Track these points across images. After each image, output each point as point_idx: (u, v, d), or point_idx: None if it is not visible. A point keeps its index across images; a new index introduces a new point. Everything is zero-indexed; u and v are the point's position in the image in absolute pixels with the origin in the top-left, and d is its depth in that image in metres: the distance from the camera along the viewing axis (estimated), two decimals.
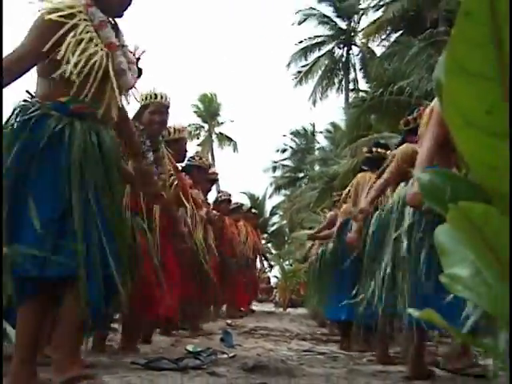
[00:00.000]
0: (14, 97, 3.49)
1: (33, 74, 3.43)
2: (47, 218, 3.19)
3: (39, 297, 3.28)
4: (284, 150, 46.89)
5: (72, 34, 3.33)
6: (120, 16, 3.69)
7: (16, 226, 3.19)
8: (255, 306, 16.54)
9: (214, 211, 9.88)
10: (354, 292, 5.63)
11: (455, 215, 0.96)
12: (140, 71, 4.42)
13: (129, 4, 3.67)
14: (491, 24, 0.85)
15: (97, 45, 3.41)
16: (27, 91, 3.56)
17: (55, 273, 3.20)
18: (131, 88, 3.68)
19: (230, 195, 12.10)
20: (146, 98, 5.67)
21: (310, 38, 37.46)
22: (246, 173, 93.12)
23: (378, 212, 5.19)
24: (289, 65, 37.28)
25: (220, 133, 48.84)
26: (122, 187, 3.69)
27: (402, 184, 5.02)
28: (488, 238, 0.95)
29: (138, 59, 4.17)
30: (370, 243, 5.12)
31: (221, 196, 11.59)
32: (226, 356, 5.39)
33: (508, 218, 0.92)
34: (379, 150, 7.04)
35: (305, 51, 37.38)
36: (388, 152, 6.92)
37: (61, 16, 3.33)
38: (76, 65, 3.30)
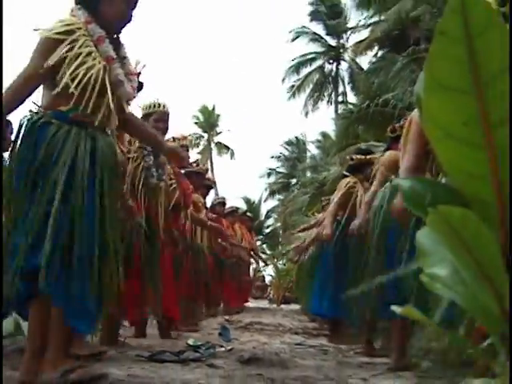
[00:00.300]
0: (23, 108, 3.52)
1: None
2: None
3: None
4: (278, 158, 46.91)
5: (69, 48, 3.36)
6: (118, 32, 3.68)
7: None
8: (250, 303, 16.51)
9: (211, 213, 9.91)
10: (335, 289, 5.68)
11: (434, 219, 0.96)
12: (141, 85, 4.41)
13: (128, 21, 3.67)
14: (465, 42, 0.86)
15: (95, 58, 3.43)
16: (34, 102, 3.55)
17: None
18: (132, 98, 3.68)
19: (224, 199, 12.17)
20: (150, 107, 5.70)
21: (302, 55, 37.47)
22: (242, 179, 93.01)
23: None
24: (283, 79, 37.33)
25: (218, 142, 48.92)
26: (116, 189, 3.66)
27: (381, 189, 5.05)
28: (466, 240, 0.95)
29: (139, 74, 4.16)
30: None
31: (216, 200, 11.63)
32: (223, 349, 5.38)
33: (483, 221, 0.93)
34: (359, 156, 7.04)
35: (297, 67, 37.39)
36: (369, 156, 6.94)
37: (59, 33, 3.36)
38: (73, 79, 3.33)
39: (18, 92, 3.33)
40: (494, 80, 0.89)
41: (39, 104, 3.50)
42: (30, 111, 3.47)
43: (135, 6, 3.67)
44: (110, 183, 3.50)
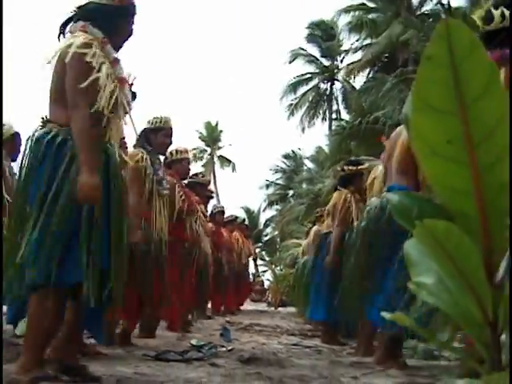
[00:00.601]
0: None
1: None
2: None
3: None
4: (276, 171, 46.96)
5: (102, 71, 3.30)
6: (120, 48, 3.62)
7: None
8: (250, 306, 16.50)
9: (210, 223, 9.95)
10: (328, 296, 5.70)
11: (421, 231, 0.96)
12: (134, 95, 4.39)
13: (129, 37, 3.64)
14: (450, 67, 0.86)
15: (114, 81, 3.38)
16: (43, 117, 3.49)
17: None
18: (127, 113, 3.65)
19: (223, 207, 12.18)
20: (159, 123, 5.69)
21: (298, 75, 37.58)
22: (243, 190, 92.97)
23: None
24: (281, 98, 37.43)
25: (221, 155, 48.95)
26: (125, 195, 3.63)
27: (374, 198, 5.05)
28: (449, 251, 0.94)
29: (132, 85, 4.14)
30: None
31: (216, 209, 11.61)
32: (224, 349, 5.36)
33: (466, 234, 0.92)
34: (350, 167, 6.96)
35: (294, 86, 37.48)
36: (359, 167, 6.91)
37: (91, 56, 3.28)
38: (108, 103, 3.30)
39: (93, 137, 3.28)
40: (475, 102, 0.89)
41: (48, 117, 3.42)
42: (42, 126, 3.39)
43: (134, 22, 3.63)
44: (120, 194, 3.49)
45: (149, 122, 5.72)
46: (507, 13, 3.16)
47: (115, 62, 3.46)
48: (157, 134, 5.63)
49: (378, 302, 4.33)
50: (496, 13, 3.19)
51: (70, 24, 3.52)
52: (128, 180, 5.10)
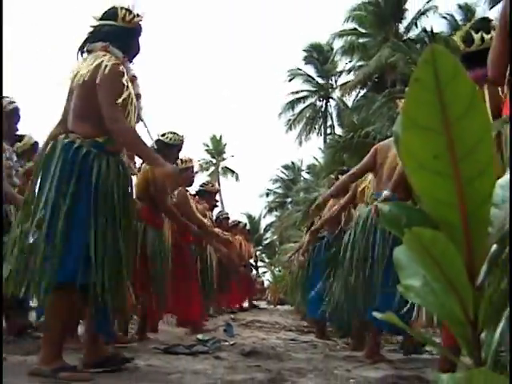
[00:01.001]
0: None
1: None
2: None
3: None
4: (276, 180, 47.08)
5: (130, 89, 3.34)
6: (130, 62, 3.63)
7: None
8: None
9: (216, 228, 9.97)
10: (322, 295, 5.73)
11: (409, 238, 0.96)
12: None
13: (138, 53, 3.66)
14: (435, 89, 0.87)
15: (132, 98, 3.40)
16: (71, 131, 3.45)
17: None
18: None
19: (227, 214, 12.24)
20: (175, 140, 5.74)
21: (296, 91, 37.74)
22: (245, 198, 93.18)
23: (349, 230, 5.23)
24: (280, 114, 37.56)
25: (225, 166, 49.02)
26: (132, 205, 3.62)
27: (362, 205, 5.09)
28: (435, 257, 0.95)
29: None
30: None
31: (221, 215, 11.62)
32: (227, 343, 5.36)
33: (451, 241, 0.93)
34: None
35: (292, 103, 37.64)
36: None
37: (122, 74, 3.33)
38: (130, 122, 3.34)
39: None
40: (458, 121, 0.90)
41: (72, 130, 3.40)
42: (66, 137, 3.36)
43: (141, 35, 3.66)
44: (130, 203, 3.49)
45: (165, 139, 5.72)
46: (486, 36, 3.20)
47: (134, 79, 3.48)
48: (172, 150, 5.68)
49: (373, 302, 4.34)
50: (476, 36, 3.23)
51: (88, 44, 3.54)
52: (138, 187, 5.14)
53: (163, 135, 5.74)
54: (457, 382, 0.87)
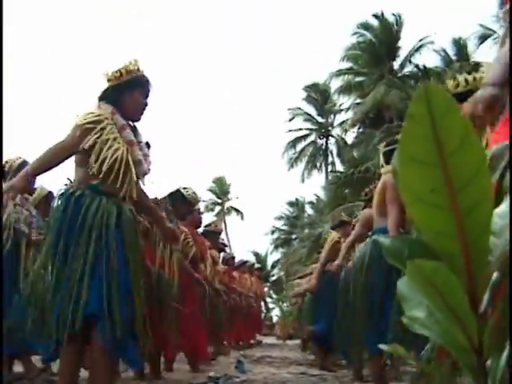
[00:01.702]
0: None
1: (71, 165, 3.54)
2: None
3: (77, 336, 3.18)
4: (280, 218, 47.06)
5: (99, 135, 3.41)
6: (138, 120, 3.71)
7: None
8: (260, 339, 16.33)
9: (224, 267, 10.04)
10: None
11: (411, 269, 0.96)
12: (148, 144, 4.46)
13: (143, 109, 3.70)
14: (430, 124, 0.87)
15: (119, 142, 3.46)
16: (68, 179, 3.61)
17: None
18: (147, 173, 3.68)
19: (233, 254, 12.39)
20: (195, 200, 5.86)
21: (296, 130, 37.98)
22: (251, 236, 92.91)
23: (349, 266, 5.30)
24: (283, 153, 37.73)
25: (230, 206, 49.02)
26: (138, 245, 3.63)
27: (362, 244, 5.11)
28: (438, 287, 0.95)
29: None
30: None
31: (227, 255, 11.68)
32: (239, 380, 5.30)
33: (452, 271, 0.93)
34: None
35: (294, 142, 37.81)
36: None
37: (91, 122, 3.42)
38: (103, 160, 3.37)
39: (51, 157, 3.42)
40: (454, 154, 0.91)
41: (73, 180, 3.56)
42: (66, 185, 3.54)
43: (149, 95, 3.72)
44: (133, 244, 3.50)
45: (186, 191, 5.79)
46: (470, 78, 3.52)
47: (123, 128, 3.53)
48: (194, 212, 5.81)
49: (376, 333, 4.31)
50: (461, 79, 3.55)
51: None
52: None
53: (184, 188, 5.80)
54: None
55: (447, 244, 0.97)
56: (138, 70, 3.68)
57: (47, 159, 3.42)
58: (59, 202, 3.40)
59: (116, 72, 3.64)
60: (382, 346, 1.07)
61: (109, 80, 3.65)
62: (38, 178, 3.56)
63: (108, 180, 3.40)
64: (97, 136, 3.39)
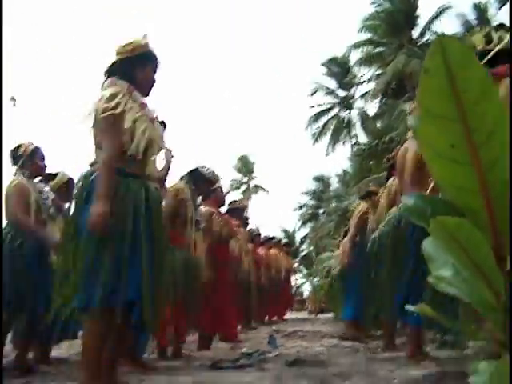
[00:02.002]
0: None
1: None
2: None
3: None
4: (307, 193, 46.97)
5: (128, 116, 3.29)
6: (147, 96, 3.59)
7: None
8: (292, 315, 16.40)
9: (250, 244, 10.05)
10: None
11: (435, 227, 0.94)
12: (163, 124, 4.40)
13: (152, 86, 3.61)
14: (446, 77, 0.84)
15: (145, 121, 3.37)
16: (90, 165, 3.48)
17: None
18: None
19: (258, 229, 12.31)
20: (215, 178, 5.88)
21: (319, 105, 37.76)
22: (279, 212, 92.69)
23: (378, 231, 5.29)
24: (306, 128, 37.56)
25: (256, 185, 48.94)
26: (164, 226, 3.60)
27: (394, 209, 5.07)
28: (462, 244, 0.93)
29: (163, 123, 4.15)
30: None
31: (253, 232, 11.62)
32: (272, 355, 5.32)
33: (476, 227, 0.90)
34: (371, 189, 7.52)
35: (317, 116, 37.59)
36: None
37: (111, 109, 3.27)
38: (138, 144, 3.30)
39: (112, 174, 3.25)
40: (473, 107, 0.88)
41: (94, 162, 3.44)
42: (91, 166, 3.42)
43: (157, 70, 3.63)
44: (160, 225, 3.48)
45: (206, 169, 5.79)
46: (506, 35, 3.20)
47: (143, 105, 3.46)
48: (216, 190, 5.83)
49: (404, 298, 4.29)
50: (495, 35, 3.23)
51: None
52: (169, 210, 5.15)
53: (203, 167, 5.78)
54: (490, 370, 0.85)
55: (470, 200, 0.94)
56: (148, 45, 3.59)
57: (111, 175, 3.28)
58: (84, 184, 3.31)
59: (127, 45, 3.52)
60: (408, 307, 1.05)
61: (119, 53, 3.52)
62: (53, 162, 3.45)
63: (134, 161, 3.33)
64: (129, 117, 3.28)
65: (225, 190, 7.35)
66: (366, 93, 30.68)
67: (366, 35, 29.27)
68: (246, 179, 48.47)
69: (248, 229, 10.84)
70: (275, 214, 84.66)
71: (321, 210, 43.82)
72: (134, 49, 3.52)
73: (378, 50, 28.93)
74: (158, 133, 3.50)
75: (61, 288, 3.23)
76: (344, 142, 37.36)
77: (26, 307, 4.46)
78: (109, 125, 3.27)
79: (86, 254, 3.14)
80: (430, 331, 5.05)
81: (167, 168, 4.93)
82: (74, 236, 3.26)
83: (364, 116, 34.54)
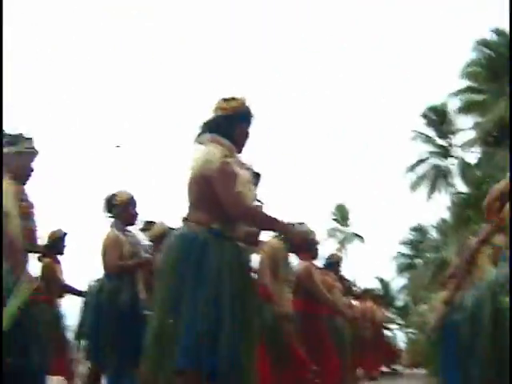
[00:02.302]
0: None
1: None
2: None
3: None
4: (404, 242, 46.07)
5: (240, 180, 3.33)
6: (241, 152, 3.61)
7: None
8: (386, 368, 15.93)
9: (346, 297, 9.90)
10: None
11: None
12: (258, 176, 4.40)
13: (247, 141, 3.63)
14: None
15: (247, 184, 3.40)
16: (185, 218, 3.50)
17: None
18: None
19: (353, 281, 12.14)
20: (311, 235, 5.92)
21: (417, 153, 37.24)
22: (374, 261, 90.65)
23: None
24: (404, 176, 37.03)
25: (352, 232, 48.54)
26: (255, 289, 3.60)
27: (493, 269, 4.82)
28: None
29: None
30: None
31: (349, 284, 11.44)
32: None
33: None
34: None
35: (415, 165, 37.06)
36: None
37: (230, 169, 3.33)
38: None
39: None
40: None
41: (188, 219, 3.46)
42: (184, 222, 3.45)
43: (249, 125, 3.64)
44: (252, 285, 3.47)
45: (302, 226, 5.82)
46: None
47: (241, 166, 3.49)
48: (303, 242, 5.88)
49: None
50: None
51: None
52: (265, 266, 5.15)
53: (300, 223, 5.85)
54: None
55: None
56: (249, 103, 3.62)
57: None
58: (179, 243, 3.33)
59: (231, 102, 3.55)
60: None
61: (221, 109, 3.54)
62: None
63: (230, 223, 3.36)
64: (241, 180, 3.33)
65: (320, 240, 7.29)
66: (466, 141, 30.01)
67: (466, 82, 28.80)
68: (342, 228, 48.21)
69: (343, 279, 10.73)
70: (371, 262, 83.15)
71: (418, 260, 42.83)
72: (237, 107, 3.56)
73: (478, 97, 28.36)
74: (254, 194, 3.54)
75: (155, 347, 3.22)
76: (442, 191, 36.56)
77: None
78: (232, 181, 3.30)
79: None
80: None
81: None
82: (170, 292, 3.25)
83: (463, 164, 33.76)
